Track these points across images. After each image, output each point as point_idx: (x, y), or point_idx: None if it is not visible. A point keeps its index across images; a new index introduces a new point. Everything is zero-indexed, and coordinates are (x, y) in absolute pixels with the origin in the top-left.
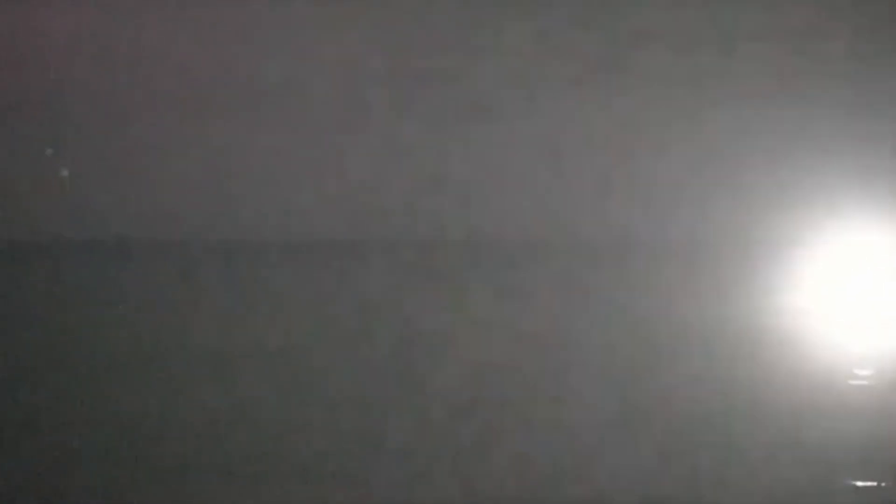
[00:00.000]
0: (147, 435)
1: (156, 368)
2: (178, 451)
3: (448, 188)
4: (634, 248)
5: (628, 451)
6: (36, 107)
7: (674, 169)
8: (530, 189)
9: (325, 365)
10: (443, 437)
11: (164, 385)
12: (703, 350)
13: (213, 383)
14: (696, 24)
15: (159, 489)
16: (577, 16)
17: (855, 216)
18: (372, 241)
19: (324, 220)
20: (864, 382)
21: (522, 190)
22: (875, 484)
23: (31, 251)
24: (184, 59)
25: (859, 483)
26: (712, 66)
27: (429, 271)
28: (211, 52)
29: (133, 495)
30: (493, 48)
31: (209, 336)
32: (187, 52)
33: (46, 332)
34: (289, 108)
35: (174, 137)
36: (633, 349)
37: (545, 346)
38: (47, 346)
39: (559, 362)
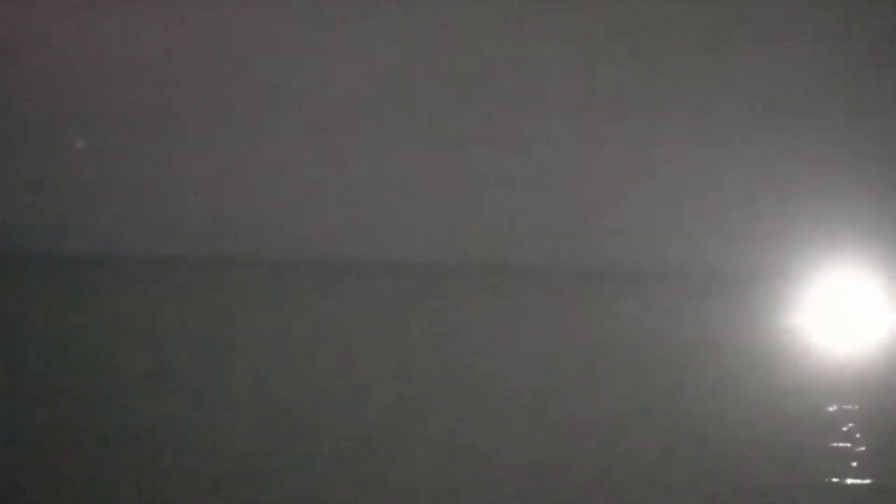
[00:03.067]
0: (143, 444)
1: (154, 381)
2: (177, 460)
3: (445, 211)
4: (630, 275)
5: (616, 476)
6: (38, 117)
7: (666, 197)
8: (529, 213)
9: (323, 381)
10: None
11: (164, 396)
12: (691, 376)
13: (212, 394)
14: (697, 51)
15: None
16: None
17: (850, 249)
18: (373, 262)
19: (322, 240)
20: (850, 423)
21: (520, 214)
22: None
23: (33, 263)
24: (192, 73)
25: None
26: (716, 94)
27: (428, 293)
28: (210, 66)
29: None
30: (492, 71)
31: (209, 349)
32: (196, 64)
33: (50, 343)
34: (293, 123)
35: (174, 153)
36: (621, 373)
37: (538, 368)
38: (49, 356)
39: (553, 382)
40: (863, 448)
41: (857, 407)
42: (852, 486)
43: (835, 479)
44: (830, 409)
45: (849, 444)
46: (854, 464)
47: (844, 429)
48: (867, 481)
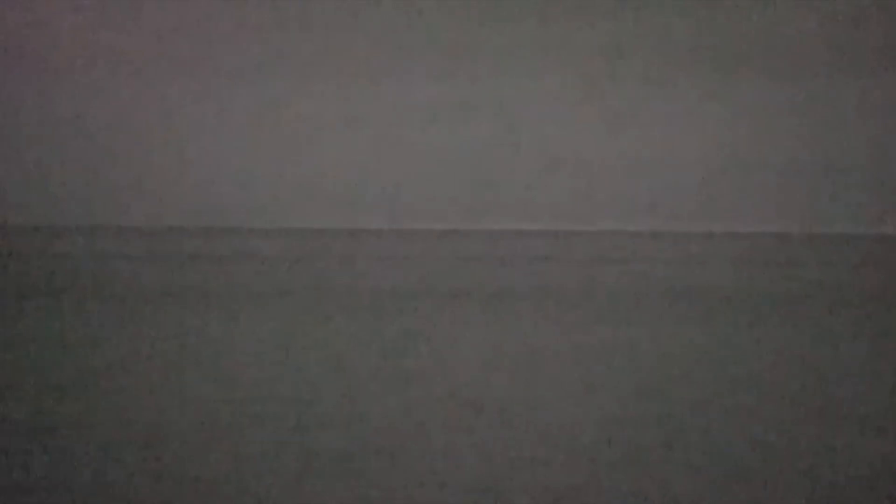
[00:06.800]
0: (145, 434)
1: (155, 364)
2: (179, 450)
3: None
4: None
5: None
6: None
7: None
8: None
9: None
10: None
11: (165, 382)
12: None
13: (211, 378)
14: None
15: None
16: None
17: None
18: (361, 230)
19: (306, 209)
20: None
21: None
22: None
23: (30, 236)
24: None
25: None
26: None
27: (421, 263)
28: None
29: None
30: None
31: (207, 326)
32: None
33: (46, 324)
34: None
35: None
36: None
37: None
38: (47, 338)
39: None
40: None
41: None
42: None
43: None
44: None
45: None
46: None
47: None
48: None
